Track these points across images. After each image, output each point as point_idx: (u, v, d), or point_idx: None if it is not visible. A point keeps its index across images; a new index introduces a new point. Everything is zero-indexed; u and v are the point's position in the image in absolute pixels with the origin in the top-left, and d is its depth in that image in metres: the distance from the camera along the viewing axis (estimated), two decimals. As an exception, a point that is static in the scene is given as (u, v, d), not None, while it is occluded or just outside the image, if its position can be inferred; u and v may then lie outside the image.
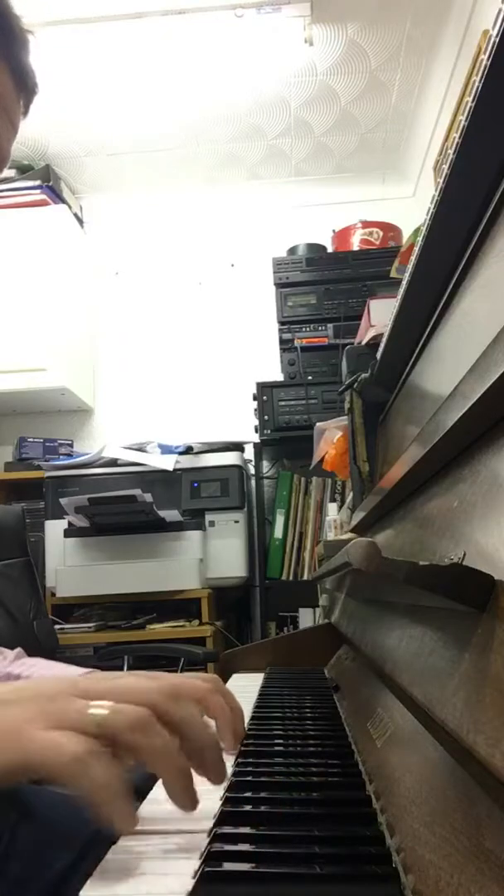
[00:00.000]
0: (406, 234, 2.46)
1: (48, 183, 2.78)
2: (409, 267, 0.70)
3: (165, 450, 2.38)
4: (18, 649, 0.78)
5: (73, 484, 2.33)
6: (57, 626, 2.08)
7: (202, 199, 3.12)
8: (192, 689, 0.62)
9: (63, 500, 2.15)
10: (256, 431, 2.50)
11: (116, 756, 0.37)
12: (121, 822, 0.35)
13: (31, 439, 2.82)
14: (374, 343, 1.14)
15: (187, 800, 0.39)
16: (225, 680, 1.05)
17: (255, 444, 2.52)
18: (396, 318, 0.81)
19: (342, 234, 2.73)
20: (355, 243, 2.67)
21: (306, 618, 2.29)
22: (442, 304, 0.68)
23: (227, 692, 0.62)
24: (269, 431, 2.46)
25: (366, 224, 2.69)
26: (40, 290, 2.64)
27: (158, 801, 0.48)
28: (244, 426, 2.62)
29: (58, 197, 2.83)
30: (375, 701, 0.61)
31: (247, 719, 0.72)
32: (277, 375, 2.56)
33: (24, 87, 0.65)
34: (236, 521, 2.29)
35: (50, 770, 0.35)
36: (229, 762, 0.55)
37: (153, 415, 2.92)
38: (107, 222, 3.17)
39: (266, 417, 2.46)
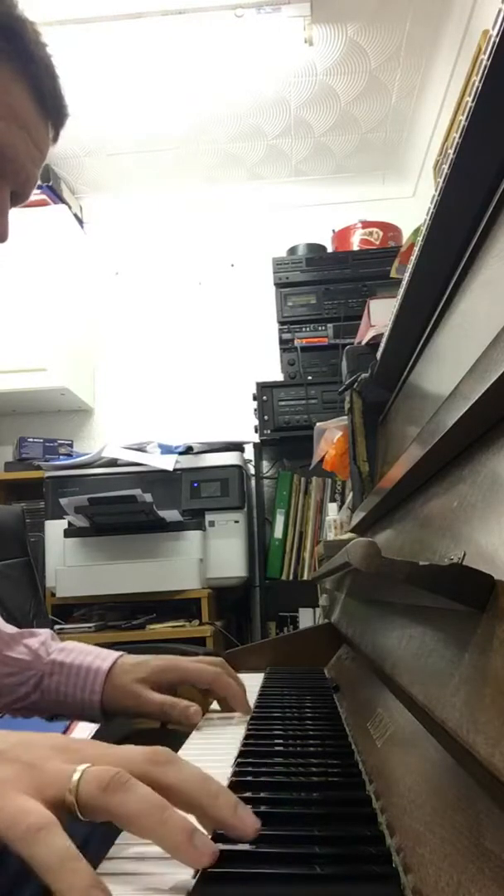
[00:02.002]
0: (406, 234, 2.46)
1: (48, 183, 2.78)
2: (409, 267, 0.70)
3: (165, 450, 2.38)
4: (51, 631, 0.82)
5: (73, 484, 2.33)
6: (57, 627, 2.08)
7: (202, 199, 3.12)
8: (204, 676, 0.74)
9: (63, 500, 2.15)
10: (256, 431, 2.50)
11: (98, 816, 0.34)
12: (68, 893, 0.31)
13: (31, 439, 2.82)
14: (374, 343, 1.14)
15: (191, 854, 0.33)
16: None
17: (255, 444, 2.52)
18: (396, 318, 0.81)
19: (342, 234, 2.73)
20: (355, 243, 2.67)
21: (306, 618, 2.29)
22: (442, 304, 0.68)
23: (232, 672, 0.76)
24: (269, 431, 2.46)
25: (366, 224, 2.70)
26: (40, 290, 2.64)
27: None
28: (244, 426, 2.62)
29: (58, 197, 2.83)
30: (375, 701, 0.61)
31: (246, 720, 0.72)
32: (277, 375, 2.56)
33: (49, 111, 0.65)
34: (236, 521, 2.29)
35: (7, 838, 0.32)
36: (231, 760, 0.55)
37: (153, 415, 2.92)
38: (107, 222, 3.17)
39: (266, 417, 2.46)
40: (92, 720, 0.79)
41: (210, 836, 0.35)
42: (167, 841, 0.33)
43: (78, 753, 0.37)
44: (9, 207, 0.65)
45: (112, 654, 0.77)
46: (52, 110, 0.65)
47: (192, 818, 0.36)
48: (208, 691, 0.77)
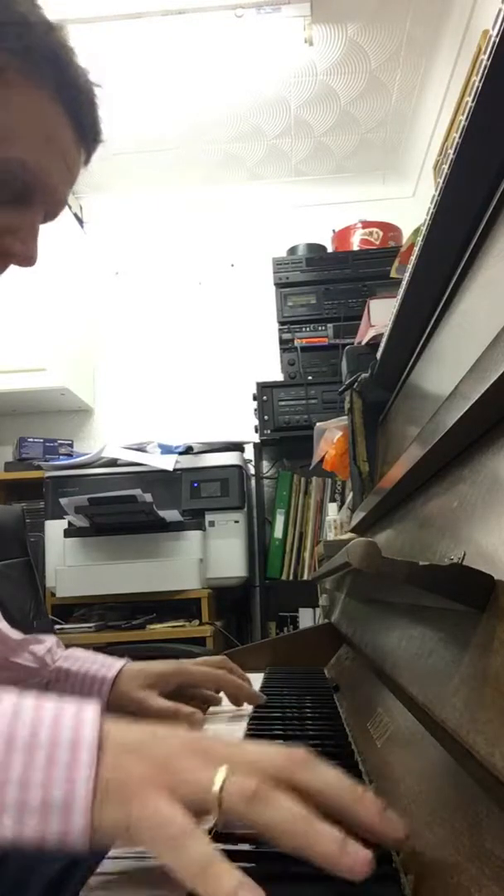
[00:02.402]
0: (406, 234, 2.46)
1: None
2: (409, 267, 0.70)
3: (165, 450, 2.38)
4: (56, 639, 0.82)
5: (73, 484, 2.33)
6: (57, 627, 2.08)
7: (202, 199, 3.12)
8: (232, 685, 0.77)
9: (63, 500, 2.15)
10: (256, 431, 2.50)
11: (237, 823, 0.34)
12: None
13: (31, 439, 2.82)
14: (374, 343, 1.14)
15: (345, 862, 0.31)
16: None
17: (255, 444, 2.52)
18: (396, 318, 0.81)
19: (342, 234, 2.73)
20: (355, 243, 2.67)
21: (306, 618, 2.29)
22: (442, 304, 0.68)
23: (236, 669, 0.79)
24: (269, 431, 2.46)
25: (366, 224, 2.69)
26: (40, 290, 2.64)
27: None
28: (244, 426, 2.62)
29: (58, 197, 2.83)
30: (375, 701, 0.61)
31: (247, 719, 0.73)
32: (277, 375, 2.56)
33: (87, 139, 0.67)
34: (236, 521, 2.29)
35: (146, 843, 0.32)
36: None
37: (153, 415, 2.92)
38: (107, 222, 3.17)
39: (266, 417, 2.46)
40: None
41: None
42: (319, 853, 0.32)
43: (210, 753, 0.36)
44: (39, 231, 0.67)
45: (117, 663, 0.77)
46: (89, 138, 0.68)
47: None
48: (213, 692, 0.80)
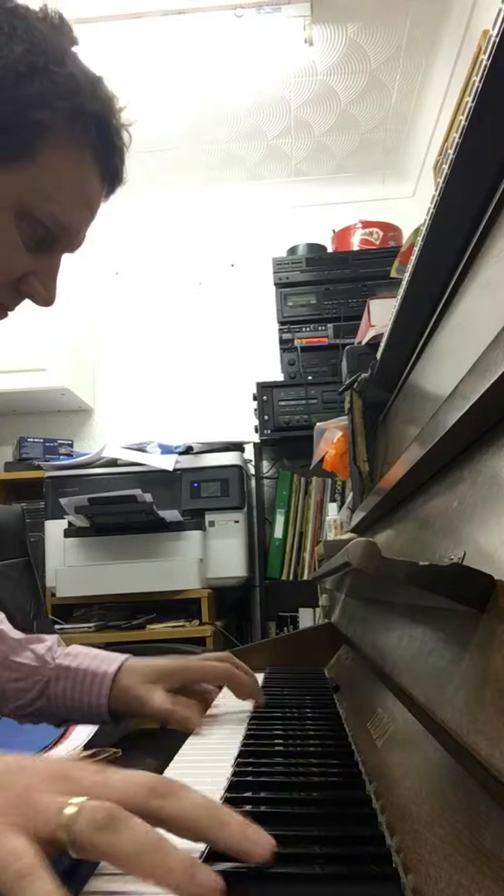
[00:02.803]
0: (406, 234, 2.46)
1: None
2: (409, 267, 0.70)
3: (165, 450, 2.38)
4: (57, 637, 0.82)
5: (73, 484, 2.33)
6: (57, 626, 2.08)
7: (202, 199, 3.12)
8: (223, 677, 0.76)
9: (63, 500, 2.15)
10: (256, 431, 2.50)
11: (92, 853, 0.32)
12: None
13: (31, 439, 2.82)
14: (374, 343, 1.14)
15: (194, 891, 0.31)
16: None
17: (255, 444, 2.52)
18: (396, 318, 0.81)
19: (342, 234, 2.73)
20: (355, 243, 2.67)
21: (306, 618, 2.29)
22: (442, 304, 0.68)
23: (241, 664, 0.78)
24: (269, 431, 2.46)
25: (366, 224, 2.69)
26: (40, 290, 2.64)
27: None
28: (244, 426, 2.62)
29: (58, 197, 2.83)
30: (375, 701, 0.61)
31: (246, 720, 0.73)
32: (277, 375, 2.56)
33: (111, 184, 0.70)
34: (236, 521, 2.29)
35: None
36: (230, 759, 0.55)
37: (153, 415, 2.92)
38: (107, 222, 3.16)
39: (266, 417, 2.46)
40: (101, 724, 0.79)
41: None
42: (167, 881, 0.31)
43: (74, 783, 0.35)
44: (59, 271, 0.71)
45: (118, 658, 0.77)
46: (114, 182, 0.71)
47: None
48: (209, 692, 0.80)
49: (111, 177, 0.69)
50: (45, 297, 0.70)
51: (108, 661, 0.76)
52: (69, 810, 0.32)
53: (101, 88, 0.64)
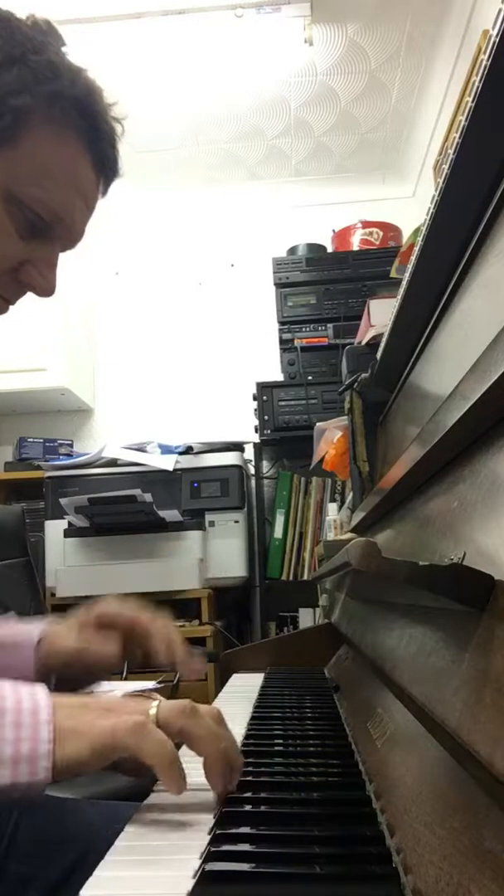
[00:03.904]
0: (406, 234, 2.46)
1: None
2: (409, 267, 0.70)
3: (165, 450, 2.38)
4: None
5: (73, 484, 2.33)
6: (57, 626, 2.08)
7: (202, 199, 3.12)
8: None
9: (63, 500, 2.15)
10: (256, 431, 2.50)
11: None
12: (171, 785, 0.44)
13: (31, 439, 2.82)
14: (374, 343, 1.14)
15: (221, 781, 0.46)
16: (225, 680, 1.05)
17: (255, 444, 2.51)
18: (396, 318, 0.81)
19: (342, 234, 2.73)
20: (355, 243, 2.67)
21: (306, 618, 2.29)
22: (442, 304, 0.68)
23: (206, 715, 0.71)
24: (269, 431, 2.46)
25: (366, 224, 2.69)
26: (40, 290, 2.64)
27: (158, 806, 0.48)
28: (244, 426, 2.62)
29: (58, 197, 2.83)
30: (375, 701, 0.61)
31: (247, 719, 0.72)
32: (277, 375, 2.56)
33: (106, 176, 0.70)
34: (236, 521, 2.29)
35: (119, 747, 0.44)
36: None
37: (153, 415, 2.91)
38: (107, 222, 3.16)
39: (266, 417, 2.46)
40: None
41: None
42: (212, 758, 0.46)
43: (138, 700, 0.49)
44: (58, 263, 0.70)
45: (39, 624, 0.71)
46: (109, 175, 0.70)
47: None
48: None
49: (102, 164, 0.68)
50: (45, 287, 0.70)
51: (32, 627, 0.71)
52: (153, 709, 0.47)
53: (83, 77, 0.64)
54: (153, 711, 0.46)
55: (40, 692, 0.48)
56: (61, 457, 2.74)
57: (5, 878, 0.57)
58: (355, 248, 2.66)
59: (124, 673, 1.98)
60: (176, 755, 0.45)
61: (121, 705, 0.48)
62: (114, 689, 0.73)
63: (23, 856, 0.58)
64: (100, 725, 0.45)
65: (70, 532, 2.25)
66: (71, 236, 0.69)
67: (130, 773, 0.57)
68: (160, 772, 0.44)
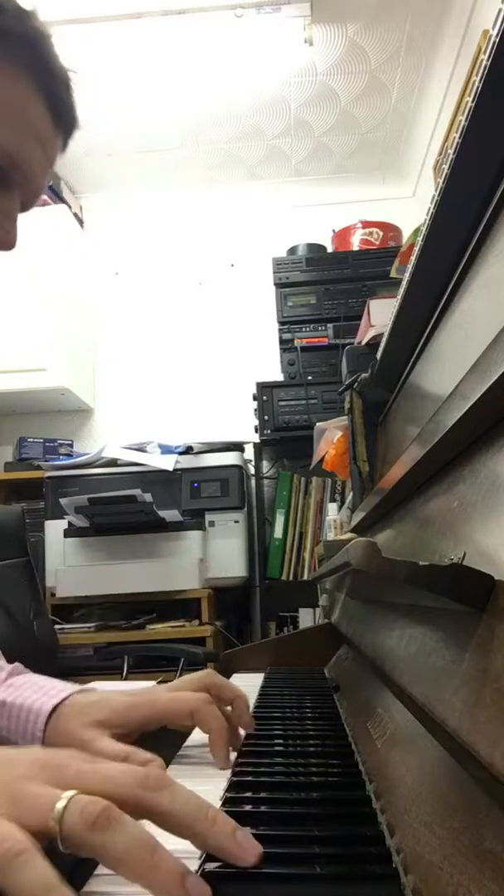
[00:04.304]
0: (406, 234, 2.46)
1: (48, 183, 2.78)
2: (409, 267, 0.70)
3: (165, 450, 2.38)
4: (16, 664, 0.70)
5: (73, 484, 2.33)
6: (57, 626, 2.08)
7: (202, 199, 3.12)
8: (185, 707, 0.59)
9: (63, 500, 2.15)
10: (256, 431, 2.50)
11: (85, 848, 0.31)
12: None
13: (31, 439, 2.82)
14: (374, 343, 1.14)
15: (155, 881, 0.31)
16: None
17: (255, 444, 2.52)
18: (396, 318, 0.81)
19: (342, 234, 2.73)
20: (355, 243, 2.67)
21: (306, 618, 2.29)
22: (442, 304, 0.68)
23: (221, 685, 0.62)
24: (269, 431, 2.46)
25: (366, 224, 2.69)
26: (40, 290, 2.64)
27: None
28: (244, 426, 2.62)
29: (58, 197, 2.83)
30: (375, 701, 0.61)
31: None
32: (277, 375, 2.56)
33: (63, 123, 0.66)
34: (236, 521, 2.29)
35: None
36: (230, 759, 0.55)
37: (153, 415, 2.92)
38: (107, 222, 3.16)
39: (266, 417, 2.46)
40: None
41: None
42: (157, 887, 0.30)
43: (61, 771, 0.34)
44: (17, 216, 0.67)
45: (63, 691, 0.62)
46: (66, 123, 0.66)
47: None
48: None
49: (58, 109, 0.64)
50: (5, 241, 0.67)
51: (50, 694, 0.62)
52: (60, 803, 0.31)
53: (33, 18, 0.61)
54: (57, 810, 0.31)
55: None
56: (61, 457, 2.75)
57: None
58: (355, 248, 2.66)
59: (124, 673, 1.98)
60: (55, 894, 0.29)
61: (22, 788, 0.33)
62: (113, 690, 0.70)
63: None
64: None
65: (70, 532, 2.25)
66: (31, 188, 0.65)
67: None
68: None
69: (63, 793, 0.32)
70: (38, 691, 0.62)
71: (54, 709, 0.60)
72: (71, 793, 0.32)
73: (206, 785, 0.48)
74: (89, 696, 0.61)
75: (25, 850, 0.29)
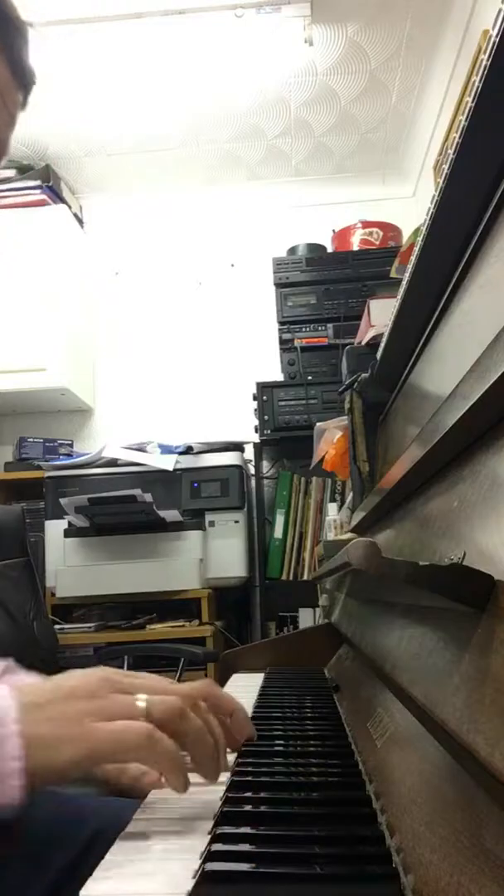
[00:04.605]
0: (406, 234, 2.46)
1: (48, 183, 2.78)
2: (409, 267, 0.70)
3: (165, 450, 2.38)
4: (8, 662, 0.69)
5: (73, 484, 2.33)
6: (57, 626, 2.08)
7: (202, 199, 3.12)
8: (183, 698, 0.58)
9: (63, 500, 2.15)
10: (256, 431, 2.50)
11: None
12: (180, 787, 0.43)
13: (31, 439, 2.82)
14: (374, 343, 1.14)
15: (213, 772, 0.46)
16: (225, 680, 1.05)
17: (255, 444, 2.51)
18: (396, 318, 0.81)
19: (342, 234, 2.73)
20: (355, 243, 2.67)
21: (306, 618, 2.29)
22: (442, 304, 0.68)
23: (221, 696, 0.58)
24: (269, 431, 2.46)
25: (366, 224, 2.69)
26: (40, 290, 2.64)
27: (158, 806, 0.48)
28: (244, 426, 2.62)
29: (58, 197, 2.83)
30: (375, 701, 0.61)
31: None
32: (277, 375, 2.56)
33: (23, 77, 0.64)
34: (236, 521, 2.29)
35: (122, 755, 0.41)
36: (230, 759, 0.55)
37: (153, 415, 2.92)
38: (107, 222, 3.16)
39: (266, 417, 2.46)
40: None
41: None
42: (205, 765, 0.46)
43: (122, 684, 0.45)
44: None
45: None
46: (26, 77, 0.65)
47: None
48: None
49: (17, 64, 0.62)
50: None
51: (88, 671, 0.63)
52: (141, 703, 0.44)
53: None
54: (143, 705, 0.43)
55: (3, 691, 0.42)
56: (61, 457, 2.75)
57: (5, 879, 0.56)
58: (355, 248, 2.66)
59: (125, 669, 1.97)
60: (183, 761, 0.43)
61: (104, 697, 0.43)
62: None
63: (23, 855, 0.58)
64: (96, 731, 0.41)
65: (70, 532, 2.25)
66: None
67: (115, 791, 0.54)
68: (169, 777, 0.43)
69: (137, 697, 0.45)
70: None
71: None
72: (143, 696, 0.45)
73: (207, 784, 0.48)
74: (122, 672, 0.65)
75: (152, 733, 0.42)
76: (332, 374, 2.44)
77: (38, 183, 2.76)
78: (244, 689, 0.91)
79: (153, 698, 0.44)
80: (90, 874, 0.36)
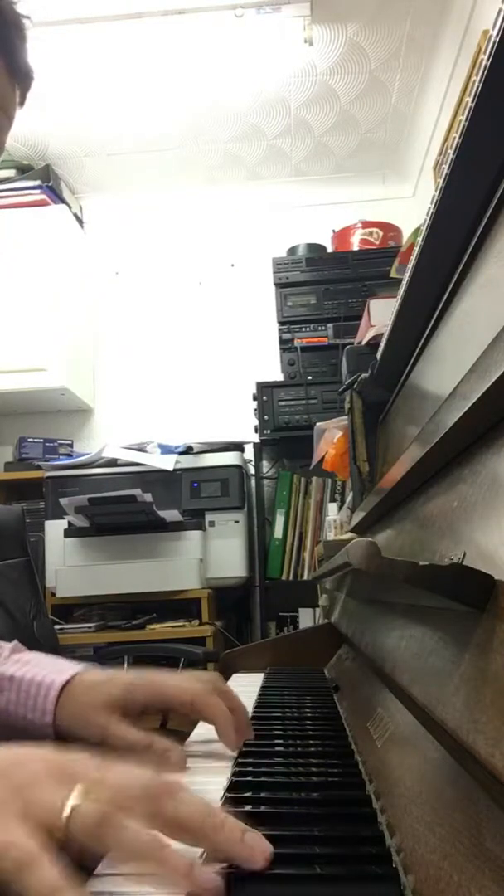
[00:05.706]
0: (406, 234, 2.46)
1: (48, 183, 2.78)
2: (409, 267, 0.70)
3: (165, 450, 2.38)
4: (15, 642, 0.71)
5: (73, 484, 2.33)
6: (57, 626, 2.08)
7: (202, 199, 3.12)
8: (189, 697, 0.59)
9: (63, 500, 2.15)
10: (256, 431, 2.50)
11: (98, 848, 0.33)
12: None
13: (31, 439, 2.82)
14: (374, 343, 1.14)
15: (193, 885, 0.32)
16: (225, 680, 1.05)
17: (255, 444, 2.52)
18: (396, 318, 0.81)
19: (342, 234, 2.73)
20: (355, 243, 2.67)
21: (306, 618, 2.29)
22: (442, 304, 0.68)
23: (226, 691, 0.62)
24: (268, 431, 2.46)
25: (366, 224, 2.69)
26: (40, 290, 2.64)
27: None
28: (244, 426, 2.62)
29: (58, 197, 2.83)
30: (375, 701, 0.61)
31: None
32: (277, 375, 2.56)
33: (20, 75, 0.64)
34: (236, 521, 2.29)
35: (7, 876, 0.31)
36: (231, 759, 0.55)
37: (153, 415, 2.92)
38: (107, 222, 3.16)
39: (266, 417, 2.46)
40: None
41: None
42: (168, 876, 0.32)
43: (72, 777, 0.35)
44: None
45: (73, 667, 0.63)
46: (23, 76, 0.64)
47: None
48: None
49: (14, 61, 0.62)
50: None
51: (60, 670, 0.62)
52: (69, 804, 0.33)
53: None
54: (66, 811, 0.33)
55: None
56: (61, 457, 2.75)
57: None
58: (355, 248, 2.66)
59: (125, 668, 1.97)
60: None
61: (34, 786, 0.34)
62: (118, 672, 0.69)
63: None
64: None
65: (70, 532, 2.25)
66: None
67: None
68: None
69: (72, 794, 0.34)
70: (46, 667, 0.63)
71: (65, 684, 0.60)
72: (78, 795, 0.34)
73: (208, 785, 0.48)
74: (96, 676, 0.62)
75: (34, 859, 0.30)
76: (332, 374, 2.44)
77: (38, 183, 2.76)
78: (244, 689, 0.91)
79: (82, 808, 0.33)
80: (90, 875, 0.36)
